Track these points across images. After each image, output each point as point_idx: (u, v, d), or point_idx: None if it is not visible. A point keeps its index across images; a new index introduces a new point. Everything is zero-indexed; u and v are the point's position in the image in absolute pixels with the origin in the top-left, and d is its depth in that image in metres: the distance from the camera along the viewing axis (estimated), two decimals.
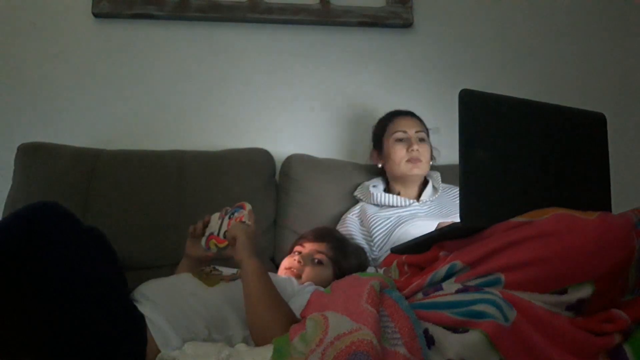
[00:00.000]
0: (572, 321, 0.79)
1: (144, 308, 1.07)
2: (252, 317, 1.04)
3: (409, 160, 1.61)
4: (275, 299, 1.05)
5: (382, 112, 1.77)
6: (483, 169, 0.88)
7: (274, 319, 1.00)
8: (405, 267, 1.05)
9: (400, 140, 1.63)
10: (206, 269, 1.25)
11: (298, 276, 1.30)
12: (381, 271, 1.20)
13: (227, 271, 1.26)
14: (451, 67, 2.02)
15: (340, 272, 1.31)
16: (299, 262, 1.34)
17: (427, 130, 1.69)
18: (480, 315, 0.76)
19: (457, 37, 2.05)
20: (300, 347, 0.79)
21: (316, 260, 1.33)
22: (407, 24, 2.00)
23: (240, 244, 1.13)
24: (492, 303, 0.76)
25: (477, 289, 0.81)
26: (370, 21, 1.98)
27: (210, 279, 1.19)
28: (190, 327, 1.05)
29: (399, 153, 1.62)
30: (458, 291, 0.83)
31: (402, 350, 0.76)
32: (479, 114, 0.90)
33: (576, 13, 2.09)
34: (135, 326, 1.04)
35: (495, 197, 0.89)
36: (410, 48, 2.02)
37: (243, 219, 1.21)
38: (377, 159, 1.73)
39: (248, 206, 1.24)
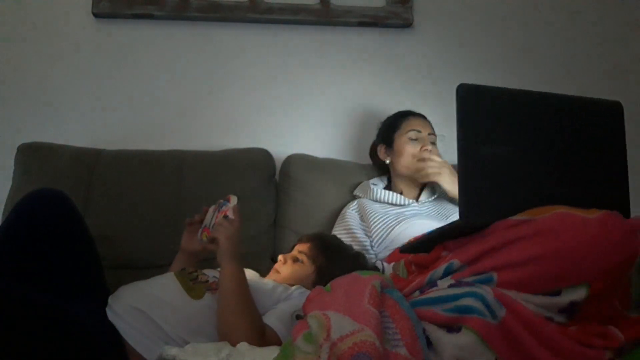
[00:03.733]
0: (562, 330, 0.77)
1: (118, 325, 1.07)
2: (219, 318, 1.08)
3: (420, 160, 1.60)
4: (245, 305, 1.07)
5: (382, 112, 1.77)
6: (483, 165, 0.85)
7: (238, 325, 1.04)
8: (413, 267, 1.05)
9: (414, 139, 1.63)
10: (193, 273, 1.22)
11: (277, 272, 1.33)
12: (390, 266, 1.20)
13: (214, 274, 1.23)
14: (451, 67, 2.02)
15: (322, 273, 1.31)
16: (280, 260, 1.36)
17: (435, 136, 1.69)
18: (467, 310, 0.75)
19: (457, 37, 2.04)
20: (304, 347, 0.78)
21: (295, 259, 1.36)
22: (407, 24, 2.00)
23: (220, 247, 1.14)
24: (477, 296, 0.75)
25: (469, 284, 0.81)
26: (370, 21, 1.97)
27: (195, 289, 1.16)
28: (169, 343, 1.05)
29: (411, 150, 1.62)
30: (450, 286, 0.83)
31: (402, 351, 0.76)
32: (478, 108, 0.87)
33: (579, 11, 2.09)
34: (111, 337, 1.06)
35: (497, 194, 0.86)
36: (410, 48, 2.02)
37: (227, 213, 1.20)
38: (384, 155, 1.72)
39: (234, 199, 1.23)
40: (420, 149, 1.61)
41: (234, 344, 0.96)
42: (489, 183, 0.86)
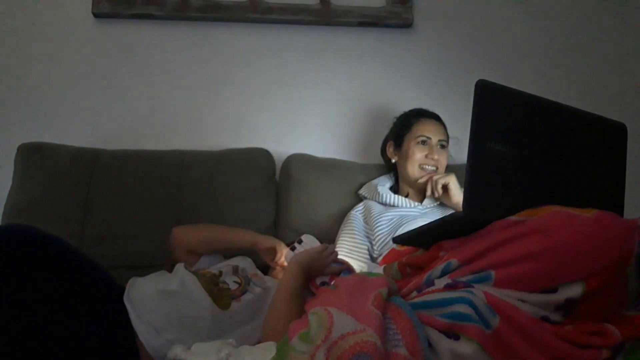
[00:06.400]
0: (557, 330, 0.77)
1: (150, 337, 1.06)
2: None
3: (423, 168, 1.61)
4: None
5: (382, 111, 1.77)
6: (492, 161, 0.86)
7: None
8: (407, 269, 1.05)
9: (422, 143, 1.63)
10: (213, 277, 1.20)
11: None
12: (380, 269, 1.20)
13: (234, 279, 1.23)
14: (451, 67, 2.02)
15: None
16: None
17: (448, 138, 1.68)
18: (462, 317, 0.75)
19: (457, 37, 2.05)
20: (299, 346, 0.78)
21: None
22: (407, 24, 2.00)
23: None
24: (467, 302, 0.76)
25: (466, 285, 0.81)
26: (370, 21, 1.98)
27: (222, 297, 1.14)
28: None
29: (417, 155, 1.62)
30: (446, 286, 0.83)
31: (402, 351, 0.75)
32: (494, 106, 0.88)
33: (583, 14, 2.08)
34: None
35: (501, 191, 0.87)
36: (410, 48, 2.02)
37: None
38: (392, 154, 1.72)
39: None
40: (427, 155, 1.61)
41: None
42: (495, 180, 0.87)
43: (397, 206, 1.62)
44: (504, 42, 2.06)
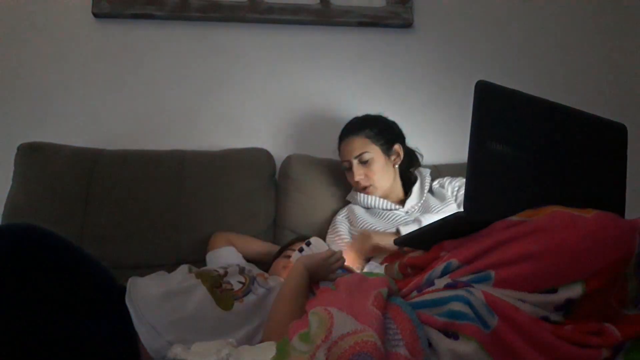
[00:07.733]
0: (557, 330, 0.77)
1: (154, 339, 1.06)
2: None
3: (359, 189, 1.62)
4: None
5: (381, 111, 1.77)
6: (492, 162, 0.87)
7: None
8: (408, 269, 1.05)
9: (347, 169, 1.65)
10: (217, 278, 1.21)
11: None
12: (382, 268, 1.20)
13: (233, 279, 1.24)
14: (451, 67, 2.02)
15: None
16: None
17: (379, 136, 1.62)
18: (458, 316, 0.75)
19: (457, 37, 2.05)
20: (299, 346, 0.78)
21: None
22: (407, 24, 2.00)
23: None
24: (464, 300, 0.76)
25: (466, 285, 0.81)
26: (370, 21, 1.98)
27: (224, 299, 1.15)
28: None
29: (350, 181, 1.64)
30: (446, 286, 0.83)
31: (402, 351, 0.76)
32: (494, 106, 0.88)
33: (583, 14, 2.09)
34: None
35: (501, 191, 0.88)
36: (410, 48, 2.02)
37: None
38: None
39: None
40: (352, 180, 1.61)
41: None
42: (495, 180, 0.87)
43: (378, 208, 1.62)
44: (504, 42, 2.06)
